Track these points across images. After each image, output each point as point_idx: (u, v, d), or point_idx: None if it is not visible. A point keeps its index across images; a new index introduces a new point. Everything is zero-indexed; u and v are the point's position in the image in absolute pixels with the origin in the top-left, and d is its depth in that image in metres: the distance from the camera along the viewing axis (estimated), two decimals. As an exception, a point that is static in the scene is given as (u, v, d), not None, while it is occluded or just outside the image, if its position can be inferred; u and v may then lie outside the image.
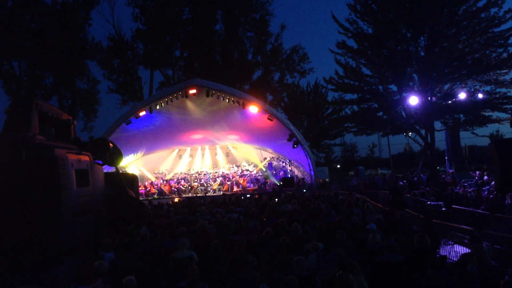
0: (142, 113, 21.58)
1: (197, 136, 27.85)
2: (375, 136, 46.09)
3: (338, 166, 56.71)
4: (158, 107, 21.67)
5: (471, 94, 21.97)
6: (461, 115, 22.90)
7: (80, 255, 3.27)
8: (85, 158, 3.04)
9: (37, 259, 2.41)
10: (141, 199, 23.96)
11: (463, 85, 22.22)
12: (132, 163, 27.69)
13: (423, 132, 23.27)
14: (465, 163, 27.69)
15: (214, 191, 26.69)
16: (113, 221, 3.76)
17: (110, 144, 3.51)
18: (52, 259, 2.56)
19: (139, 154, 27.37)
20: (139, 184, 26.62)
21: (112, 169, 3.91)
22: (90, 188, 3.03)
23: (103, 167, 3.61)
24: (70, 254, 2.91)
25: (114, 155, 3.64)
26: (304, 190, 23.57)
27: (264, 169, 29.29)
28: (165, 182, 27.92)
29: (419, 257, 6.16)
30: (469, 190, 15.86)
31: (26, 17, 36.16)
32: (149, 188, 26.78)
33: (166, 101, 21.58)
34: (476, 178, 20.49)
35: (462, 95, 21.64)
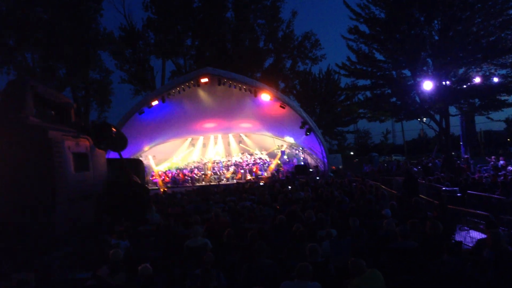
0: (155, 103, 21.66)
1: (209, 124, 27.89)
2: (388, 122, 45.60)
3: (352, 153, 56.37)
4: (170, 97, 21.72)
5: (486, 78, 21.61)
6: (476, 100, 22.55)
7: (79, 242, 3.27)
8: (84, 142, 3.01)
9: (31, 245, 2.39)
10: (155, 188, 24.16)
11: (478, 69, 21.86)
12: (146, 152, 27.86)
13: (437, 117, 23.01)
14: (480, 148, 27.38)
15: (228, 179, 26.77)
16: (117, 206, 3.76)
17: (113, 129, 3.49)
18: (47, 245, 2.55)
19: (153, 143, 27.54)
20: (153, 174, 26.86)
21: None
22: (91, 173, 3.01)
23: (107, 152, 3.60)
24: (67, 240, 2.90)
25: (118, 141, 3.63)
26: (317, 178, 23.51)
27: (279, 163, 29.18)
28: (178, 171, 28.07)
29: (433, 243, 6.10)
30: (485, 175, 15.67)
31: (38, 9, 36.33)
32: (163, 177, 26.97)
33: (178, 90, 21.61)
34: (492, 163, 20.24)
35: (477, 79, 21.30)
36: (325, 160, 25.91)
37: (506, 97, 21.85)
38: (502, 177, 13.96)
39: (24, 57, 37.52)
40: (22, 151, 2.31)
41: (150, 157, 28.03)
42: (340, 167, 29.97)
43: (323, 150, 25.44)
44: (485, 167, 21.14)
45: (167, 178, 26.93)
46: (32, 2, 35.15)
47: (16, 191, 2.29)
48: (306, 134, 23.74)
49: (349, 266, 4.86)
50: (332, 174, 25.22)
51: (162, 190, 20.53)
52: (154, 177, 26.82)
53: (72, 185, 2.53)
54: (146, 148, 27.70)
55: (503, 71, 21.73)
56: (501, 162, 19.49)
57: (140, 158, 25.44)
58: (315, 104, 46.90)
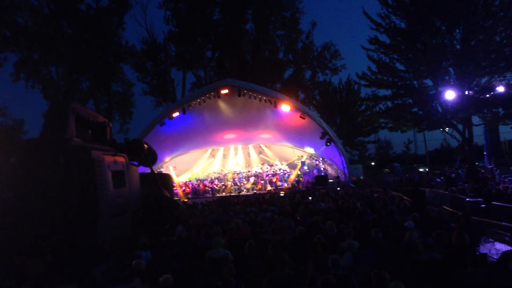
0: (176, 114, 21.91)
1: (229, 135, 28.04)
2: (410, 132, 45.06)
3: (373, 163, 55.77)
4: (191, 108, 21.95)
5: (510, 87, 21.23)
6: (500, 109, 22.13)
7: (118, 255, 3.36)
8: (121, 159, 3.11)
9: (76, 259, 2.48)
10: (175, 198, 24.33)
11: (501, 78, 21.52)
12: (166, 164, 28.12)
13: (460, 127, 22.67)
14: (505, 158, 26.83)
15: (248, 190, 26.79)
16: (149, 221, 3.85)
17: (145, 145, 3.60)
18: (90, 259, 2.64)
19: (174, 154, 27.80)
20: (174, 184, 27.09)
21: (148, 170, 4.01)
22: (127, 189, 3.10)
23: (139, 167, 3.71)
24: (108, 254, 2.99)
25: (149, 156, 3.73)
26: (338, 188, 23.36)
27: (300, 173, 29.11)
28: (199, 181, 28.23)
29: (458, 255, 6.01)
30: (510, 186, 15.36)
31: (62, 23, 37.29)
32: (184, 187, 27.14)
33: (199, 101, 21.83)
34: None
35: (500, 88, 20.94)
36: (346, 170, 25.74)
37: (530, 106, 21.41)
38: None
39: (49, 71, 38.44)
40: (67, 170, 2.40)
41: (171, 168, 28.26)
42: (361, 177, 29.73)
43: (344, 161, 25.30)
44: (510, 178, 20.71)
45: (188, 189, 27.09)
46: (57, 17, 36.09)
47: (62, 208, 2.39)
48: (326, 145, 23.65)
49: (372, 278, 4.82)
50: (353, 185, 25.03)
51: (183, 201, 20.68)
52: (175, 188, 27.01)
53: (112, 201, 2.61)
54: (167, 159, 27.96)
55: (527, 80, 21.36)
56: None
57: (161, 170, 25.70)
58: (335, 115, 46.71)
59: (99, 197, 2.41)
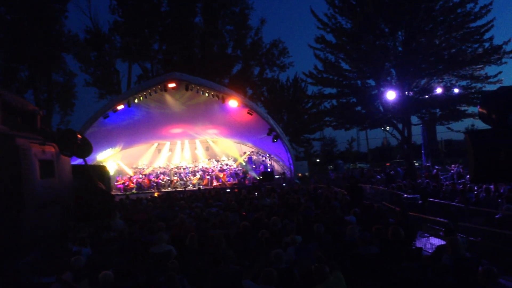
0: (120, 107, 21.31)
1: (176, 130, 27.66)
2: (353, 130, 46.43)
3: (318, 160, 57.01)
4: (136, 101, 21.42)
5: (447, 89, 22.31)
6: (437, 110, 23.24)
7: (45, 248, 3.22)
8: (50, 149, 2.96)
9: None
10: (119, 193, 23.73)
11: (439, 80, 22.53)
12: (111, 158, 27.36)
13: (400, 126, 23.56)
14: (441, 157, 28.19)
15: (194, 185, 26.58)
16: (82, 213, 3.70)
17: (79, 136, 3.45)
18: (14, 251, 2.51)
19: (118, 148, 27.07)
20: (118, 179, 26.41)
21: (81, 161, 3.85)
22: (56, 180, 2.96)
23: (71, 159, 3.56)
24: (33, 246, 2.86)
25: (83, 147, 3.58)
26: (284, 184, 23.67)
27: (244, 163, 29.29)
28: (144, 176, 27.69)
29: (394, 249, 6.26)
30: (445, 183, 16.16)
31: (1, 9, 35.30)
32: (127, 182, 26.52)
33: (145, 94, 21.35)
34: (452, 171, 20.89)
35: (438, 90, 21.95)
36: (292, 167, 26.12)
37: (466, 108, 22.57)
38: (461, 185, 14.41)
39: (-15, 58, 36.36)
40: None
41: (114, 162, 27.54)
42: (307, 174, 30.27)
43: (290, 157, 25.65)
44: (445, 175, 21.81)
45: (132, 184, 26.49)
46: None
47: None
48: (273, 141, 23.87)
49: (313, 272, 4.92)
50: (298, 181, 25.45)
51: (126, 196, 20.20)
52: (118, 183, 26.36)
53: (38, 192, 2.49)
54: (111, 152, 27.19)
55: (463, 83, 22.48)
56: (461, 171, 20.16)
57: (105, 163, 24.95)
58: (282, 111, 47.25)
59: (24, 187, 2.31)
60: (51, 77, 39.33)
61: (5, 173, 2.44)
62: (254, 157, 30.02)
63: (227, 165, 29.34)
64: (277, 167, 28.68)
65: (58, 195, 2.99)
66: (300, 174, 28.10)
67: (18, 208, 2.43)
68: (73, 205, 3.37)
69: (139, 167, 29.55)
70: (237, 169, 28.81)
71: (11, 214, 2.43)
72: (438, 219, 10.18)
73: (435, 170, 22.28)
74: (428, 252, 8.63)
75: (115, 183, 26.09)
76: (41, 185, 2.72)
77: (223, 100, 21.63)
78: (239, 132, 27.41)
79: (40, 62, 36.39)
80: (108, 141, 24.03)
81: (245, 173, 27.92)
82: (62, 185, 3.08)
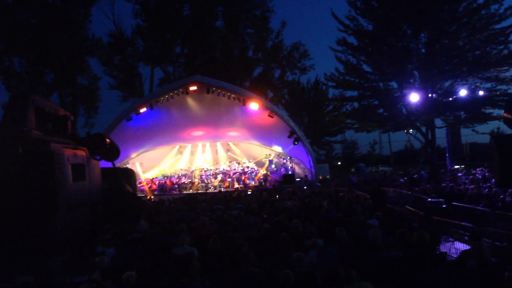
0: (143, 110, 21.60)
1: (197, 132, 27.85)
2: (376, 133, 45.89)
3: (339, 163, 56.60)
4: (158, 104, 21.67)
5: (472, 91, 21.92)
6: (462, 112, 22.84)
7: (76, 248, 3.33)
8: (81, 153, 3.07)
9: (33, 250, 2.44)
10: (142, 195, 23.99)
11: (463, 82, 22.18)
12: (133, 159, 27.70)
13: (423, 129, 23.25)
14: (466, 160, 27.70)
15: (215, 187, 26.68)
16: (110, 215, 3.80)
17: (107, 140, 3.55)
18: (48, 251, 2.60)
19: (140, 150, 27.40)
20: (140, 181, 26.72)
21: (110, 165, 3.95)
22: (87, 183, 3.07)
23: (100, 162, 3.66)
24: (65, 246, 2.96)
25: (111, 151, 3.68)
26: (305, 187, 23.57)
27: (265, 166, 29.26)
28: (166, 178, 27.94)
29: (418, 253, 6.17)
30: (470, 187, 15.86)
31: (27, 14, 36.10)
32: (150, 184, 26.81)
33: (167, 97, 21.58)
34: (477, 175, 20.49)
35: (462, 92, 21.58)
36: (313, 169, 26.00)
37: (491, 110, 22.14)
38: (487, 189, 14.13)
39: (11, 62, 37.20)
40: (26, 162, 2.34)
41: (137, 164, 27.86)
42: (328, 176, 30.08)
43: (311, 160, 25.54)
44: (469, 179, 21.38)
45: (154, 186, 26.76)
46: (21, 7, 34.92)
47: (20, 199, 2.33)
48: (294, 144, 23.82)
49: (340, 275, 4.89)
50: (319, 184, 25.31)
51: (149, 197, 20.42)
52: (141, 185, 26.66)
53: (70, 194, 2.57)
54: (133, 155, 27.55)
55: (488, 85, 22.08)
56: (487, 174, 19.76)
57: (127, 165, 25.31)
58: (303, 114, 47.10)
59: (57, 189, 2.38)
60: (76, 80, 40.04)
61: (40, 177, 2.54)
62: (275, 160, 29.98)
63: (248, 167, 29.37)
64: (298, 170, 28.58)
65: (88, 197, 3.10)
66: (321, 177, 27.93)
67: (52, 209, 2.54)
68: (101, 207, 3.47)
69: (161, 169, 29.80)
70: (258, 171, 28.82)
71: (45, 215, 2.53)
72: (463, 223, 10.01)
73: (459, 174, 21.91)
74: (453, 257, 8.50)
75: (138, 185, 26.39)
76: (73, 188, 2.83)
77: (244, 102, 21.70)
78: (260, 134, 27.44)
79: (65, 65, 37.07)
80: (132, 143, 24.34)
81: (266, 175, 27.91)
82: (92, 187, 3.19)
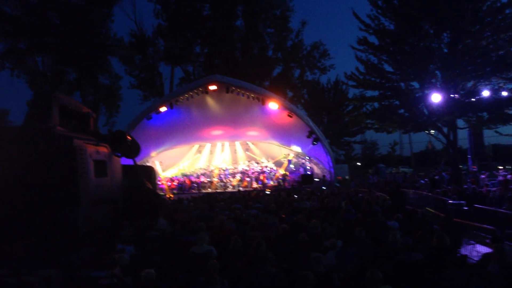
0: (163, 109, 21.81)
1: (217, 132, 27.99)
2: (396, 133, 45.44)
3: (358, 163, 56.18)
4: (178, 103, 21.85)
5: (495, 91, 21.48)
6: (485, 113, 22.39)
7: (98, 243, 3.39)
8: (103, 149, 3.13)
9: (55, 245, 2.51)
10: (161, 193, 24.22)
11: (486, 83, 21.77)
12: (153, 158, 27.97)
13: (445, 130, 22.90)
14: (488, 162, 27.20)
15: (234, 187, 26.78)
16: (130, 211, 3.87)
17: (128, 137, 3.61)
18: (70, 245, 2.67)
19: (160, 149, 27.66)
20: (159, 179, 26.97)
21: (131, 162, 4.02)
22: (108, 179, 3.13)
23: (121, 159, 3.72)
24: (87, 241, 3.02)
25: (132, 148, 3.75)
26: (323, 187, 23.47)
27: (284, 166, 29.26)
28: (185, 177, 28.14)
29: (438, 256, 6.09)
30: (492, 189, 15.59)
31: (50, 13, 36.75)
32: (169, 183, 27.05)
33: (187, 97, 21.75)
34: (500, 177, 20.11)
35: (485, 93, 21.18)
36: (332, 170, 25.87)
37: (515, 111, 21.69)
38: (510, 192, 13.86)
39: (35, 61, 37.91)
40: (50, 157, 2.41)
41: (157, 162, 28.12)
42: (347, 177, 29.91)
43: (330, 160, 25.42)
44: (492, 181, 21.01)
45: (174, 184, 27.00)
46: (44, 7, 35.55)
47: (43, 194, 2.40)
48: (313, 144, 23.75)
49: (366, 275, 4.86)
50: (338, 184, 25.18)
51: (168, 196, 20.60)
52: (160, 183, 26.91)
53: (92, 189, 2.63)
54: (153, 153, 27.81)
55: (512, 85, 21.64)
56: (509, 176, 19.37)
57: (147, 164, 25.55)
58: (322, 114, 46.90)
59: (80, 184, 2.44)
60: (98, 79, 40.64)
61: (64, 172, 2.61)
62: (294, 160, 29.93)
63: (266, 167, 29.39)
64: (316, 170, 28.48)
65: (109, 193, 3.16)
66: (340, 178, 27.80)
67: (74, 203, 2.61)
68: (122, 203, 3.53)
69: (180, 167, 30.05)
70: (276, 171, 28.82)
71: (68, 209, 2.61)
72: (485, 226, 9.84)
73: (483, 176, 21.53)
74: (474, 260, 8.35)
75: (157, 183, 26.65)
76: (95, 183, 2.90)
77: (263, 102, 21.73)
78: (279, 134, 27.43)
79: (87, 65, 37.63)
80: (152, 142, 24.58)
81: (284, 175, 27.90)
82: (113, 184, 3.25)
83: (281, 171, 28.48)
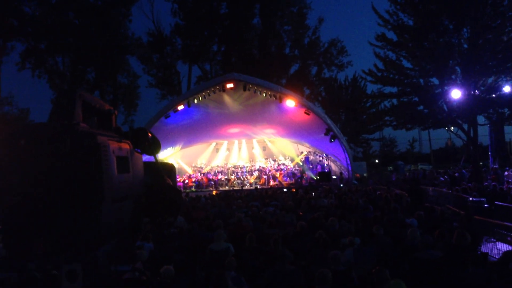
0: (180, 107, 21.93)
1: (234, 130, 28.05)
2: (415, 130, 44.85)
3: (377, 161, 55.69)
4: (196, 101, 21.95)
5: (516, 87, 21.09)
6: (506, 109, 22.00)
7: (120, 239, 3.45)
8: (125, 146, 3.17)
9: (80, 240, 2.57)
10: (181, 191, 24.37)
11: (507, 78, 21.37)
12: (171, 156, 28.19)
13: (465, 126, 22.56)
14: (509, 159, 26.71)
15: (251, 184, 26.83)
16: (152, 207, 3.91)
17: (149, 134, 3.65)
18: (94, 241, 2.72)
19: (178, 147, 27.86)
20: (178, 176, 27.15)
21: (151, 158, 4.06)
22: (130, 175, 3.16)
23: (142, 156, 3.77)
24: (110, 237, 3.08)
25: (153, 145, 3.79)
26: (341, 185, 23.36)
27: (301, 163, 29.21)
28: (202, 175, 28.29)
29: (458, 254, 6.01)
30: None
31: (69, 14, 37.31)
32: (187, 180, 27.21)
33: (204, 95, 21.83)
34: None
35: (506, 89, 20.79)
36: (350, 167, 25.72)
37: (536, 107, 21.27)
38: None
39: (55, 61, 38.52)
40: (74, 154, 2.47)
41: (174, 160, 28.35)
42: (365, 175, 29.69)
43: (348, 157, 25.27)
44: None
45: (191, 182, 27.17)
46: (64, 8, 36.09)
47: (68, 190, 2.47)
48: (331, 141, 23.62)
49: (372, 275, 4.83)
50: (356, 182, 25.03)
51: (185, 193, 20.74)
52: (178, 181, 27.10)
53: (115, 186, 2.69)
54: (171, 151, 28.04)
55: (534, 81, 21.21)
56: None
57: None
58: (340, 111, 46.57)
59: (103, 181, 2.50)
60: (116, 78, 41.14)
61: (88, 168, 2.67)
62: (311, 157, 29.84)
63: (284, 164, 29.36)
64: (334, 167, 28.35)
65: (132, 190, 3.21)
66: (358, 175, 27.60)
67: (98, 200, 2.66)
68: (144, 199, 3.58)
69: (198, 165, 30.23)
70: (294, 169, 28.77)
71: (92, 205, 2.66)
72: (506, 223, 9.68)
73: (506, 173, 21.15)
74: (495, 257, 8.24)
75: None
76: (117, 179, 2.94)
77: (280, 100, 21.69)
78: (296, 132, 27.36)
79: (106, 64, 38.12)
80: (169, 140, 24.77)
81: (302, 173, 27.84)
82: (135, 180, 3.30)
83: (298, 168, 28.41)
